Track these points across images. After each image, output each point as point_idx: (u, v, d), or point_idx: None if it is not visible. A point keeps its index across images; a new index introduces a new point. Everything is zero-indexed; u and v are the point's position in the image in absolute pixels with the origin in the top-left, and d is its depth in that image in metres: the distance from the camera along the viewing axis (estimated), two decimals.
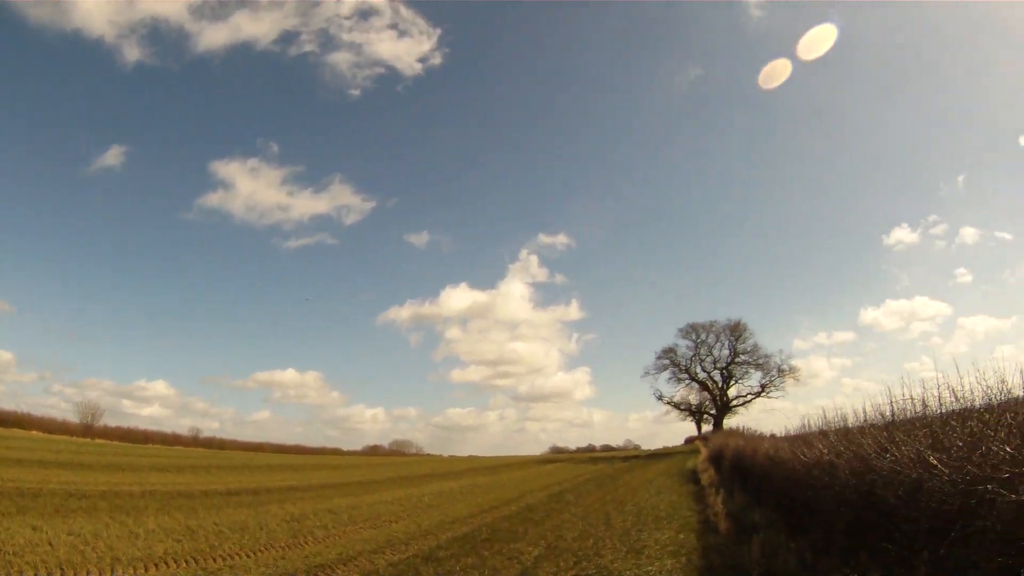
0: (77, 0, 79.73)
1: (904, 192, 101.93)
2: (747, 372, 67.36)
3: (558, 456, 70.13)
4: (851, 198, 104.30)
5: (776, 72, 74.34)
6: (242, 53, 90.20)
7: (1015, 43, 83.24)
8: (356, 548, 10.82)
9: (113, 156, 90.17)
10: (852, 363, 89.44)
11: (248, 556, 9.78)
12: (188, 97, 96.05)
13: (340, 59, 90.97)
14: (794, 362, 66.85)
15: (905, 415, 7.83)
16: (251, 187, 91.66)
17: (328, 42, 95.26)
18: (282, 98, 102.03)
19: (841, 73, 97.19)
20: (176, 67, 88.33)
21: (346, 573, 9.03)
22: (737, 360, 67.27)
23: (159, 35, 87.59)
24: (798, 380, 65.55)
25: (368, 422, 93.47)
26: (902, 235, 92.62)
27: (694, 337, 68.80)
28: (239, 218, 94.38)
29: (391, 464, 46.33)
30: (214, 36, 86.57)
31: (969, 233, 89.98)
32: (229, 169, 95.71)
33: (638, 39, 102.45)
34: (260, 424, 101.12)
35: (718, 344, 68.16)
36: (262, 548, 10.41)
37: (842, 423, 11.29)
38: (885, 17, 79.89)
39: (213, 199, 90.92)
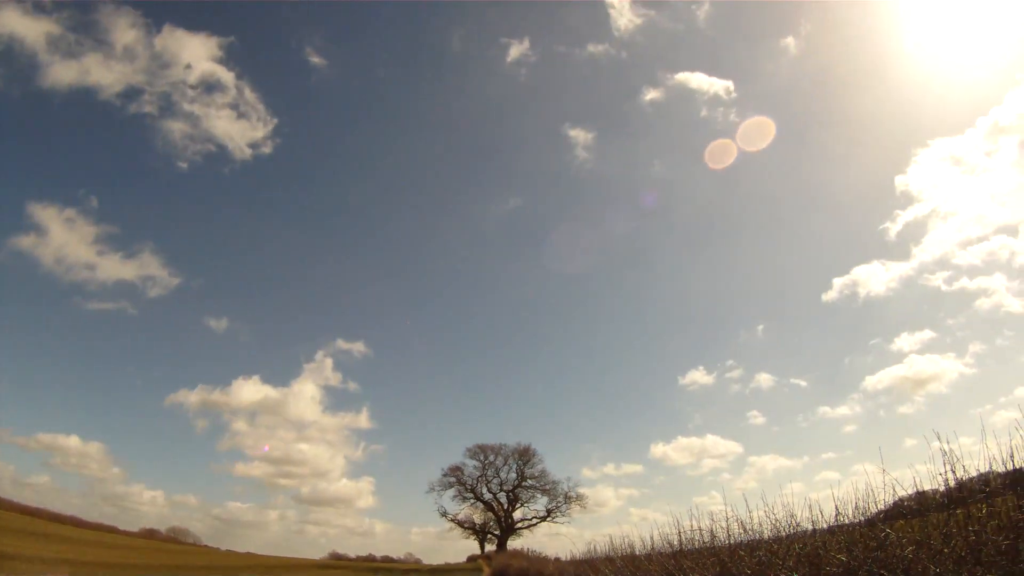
0: None
1: (704, 338, 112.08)
2: (534, 496, 67.73)
3: (338, 563, 62.51)
4: (650, 341, 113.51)
5: (720, 151, 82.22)
6: (84, 98, 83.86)
7: (822, 205, 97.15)
8: None
9: None
10: (640, 494, 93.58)
11: None
12: (21, 128, 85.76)
13: (176, 127, 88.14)
14: (581, 490, 67.21)
15: (694, 544, 8.11)
16: (64, 238, 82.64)
17: (168, 107, 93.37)
18: (112, 154, 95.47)
19: (659, 222, 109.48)
20: (17, 95, 78.88)
21: None
22: (524, 484, 67.75)
23: (11, 57, 79.29)
24: (584, 507, 66.30)
25: (146, 504, 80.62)
26: (697, 376, 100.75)
27: (482, 458, 68.44)
28: (46, 268, 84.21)
29: (168, 551, 43.40)
30: (62, 73, 79.78)
31: (764, 378, 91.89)
32: (46, 214, 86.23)
33: (463, 165, 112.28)
34: (38, 488, 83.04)
35: (506, 467, 68.24)
36: None
37: (629, 550, 11.52)
38: (701, 174, 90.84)
39: (25, 242, 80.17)
